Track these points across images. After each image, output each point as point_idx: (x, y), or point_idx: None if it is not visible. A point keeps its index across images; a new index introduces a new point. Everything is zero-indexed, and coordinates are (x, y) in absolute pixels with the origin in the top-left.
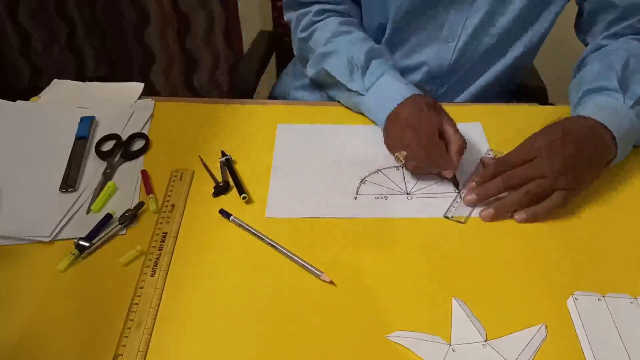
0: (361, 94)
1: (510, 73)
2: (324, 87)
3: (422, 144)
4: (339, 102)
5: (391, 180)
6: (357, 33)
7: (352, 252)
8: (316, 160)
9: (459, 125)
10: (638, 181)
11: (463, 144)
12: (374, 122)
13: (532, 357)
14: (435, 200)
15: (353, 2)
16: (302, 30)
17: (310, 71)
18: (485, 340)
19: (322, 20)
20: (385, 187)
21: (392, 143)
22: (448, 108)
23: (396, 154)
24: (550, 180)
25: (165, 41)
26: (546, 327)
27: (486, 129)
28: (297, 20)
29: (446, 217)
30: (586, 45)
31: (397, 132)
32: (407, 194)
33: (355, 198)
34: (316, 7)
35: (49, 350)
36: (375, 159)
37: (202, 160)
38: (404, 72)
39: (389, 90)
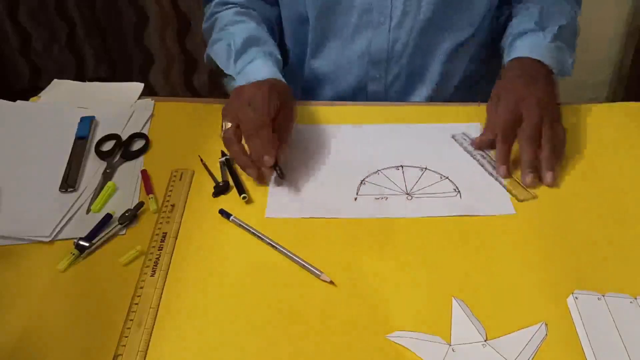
0: (234, 79)
1: (465, 59)
2: (219, 74)
3: (253, 116)
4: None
5: (391, 180)
6: (248, 23)
7: (352, 252)
8: (316, 161)
9: (457, 126)
10: (638, 181)
11: (287, 137)
12: (374, 121)
13: (532, 356)
14: (435, 200)
15: None
16: (205, 21)
17: (205, 58)
18: (485, 340)
19: (222, 11)
20: (385, 188)
21: (224, 112)
22: (446, 109)
23: (223, 122)
24: (548, 119)
25: (165, 41)
26: (546, 326)
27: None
28: (205, 12)
29: (522, 201)
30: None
31: (233, 103)
32: (407, 194)
33: (355, 199)
34: None
35: (49, 350)
36: (375, 159)
37: (202, 160)
38: (346, 60)
39: (254, 74)
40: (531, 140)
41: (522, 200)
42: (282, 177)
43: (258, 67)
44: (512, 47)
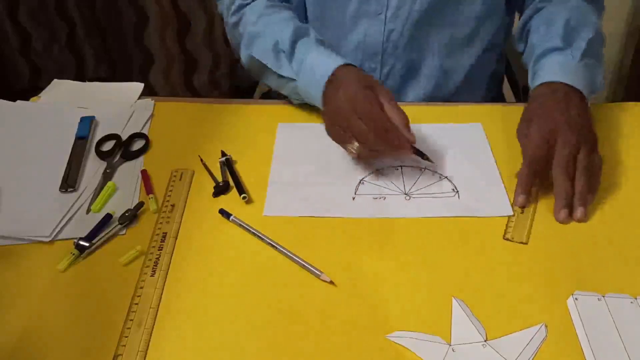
0: (294, 79)
1: (465, 58)
2: (259, 75)
3: (369, 128)
4: (277, 90)
5: (390, 180)
6: (283, 13)
7: (352, 252)
8: (315, 159)
9: (459, 126)
10: (638, 181)
11: (405, 116)
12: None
13: (532, 357)
14: (433, 200)
15: None
16: (233, 14)
17: (243, 59)
18: (485, 340)
19: (250, 3)
20: (383, 187)
21: (336, 134)
22: (447, 109)
23: (348, 147)
24: (585, 147)
25: (165, 41)
26: (546, 327)
27: (486, 130)
28: (227, 8)
29: (507, 240)
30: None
31: (337, 121)
32: (406, 194)
33: (354, 198)
34: None
35: (49, 350)
36: (374, 158)
37: (202, 160)
38: (342, 51)
39: (316, 68)
40: (566, 172)
41: (508, 240)
42: (423, 157)
43: (317, 60)
44: (538, 67)
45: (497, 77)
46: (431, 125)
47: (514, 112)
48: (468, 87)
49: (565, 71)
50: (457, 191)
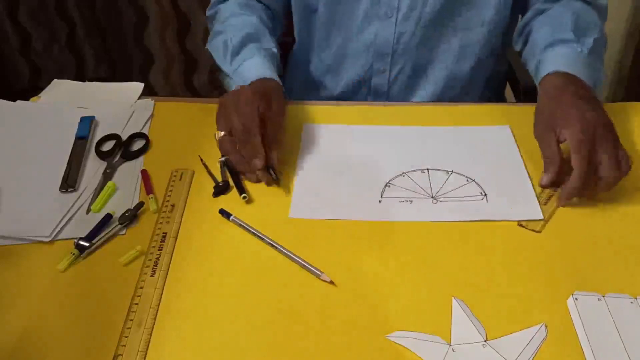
0: (230, 77)
1: (472, 61)
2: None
3: (238, 128)
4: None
5: (416, 183)
6: (249, 17)
7: (352, 252)
8: (341, 162)
9: (487, 129)
10: (638, 181)
11: (280, 137)
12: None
13: (532, 357)
14: (461, 204)
15: None
16: (210, 8)
17: (207, 51)
18: (485, 340)
19: (225, 1)
20: (410, 191)
21: (217, 119)
22: (447, 109)
23: (215, 132)
24: (604, 143)
25: (165, 41)
26: (546, 327)
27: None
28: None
29: (521, 226)
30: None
31: (222, 110)
32: (433, 197)
33: (380, 201)
34: None
35: (49, 350)
36: (400, 161)
37: (202, 160)
38: (354, 52)
39: (247, 73)
40: (586, 161)
41: (523, 226)
42: (276, 180)
43: (251, 67)
44: (545, 56)
45: (498, 77)
46: (457, 127)
47: (513, 112)
48: (470, 88)
49: (575, 64)
50: (485, 194)
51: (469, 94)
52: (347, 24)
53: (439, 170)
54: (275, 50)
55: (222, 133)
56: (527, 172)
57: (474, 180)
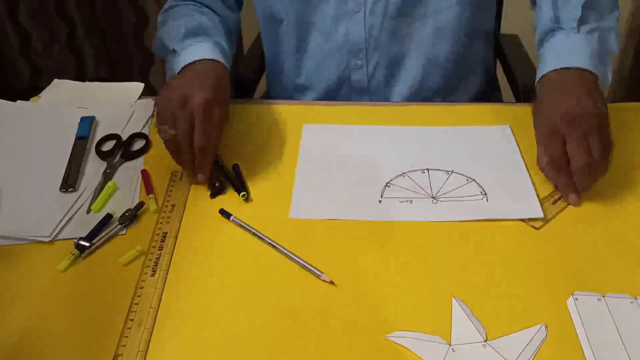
0: (177, 54)
1: (448, 44)
2: (161, 54)
3: (185, 133)
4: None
5: (416, 183)
6: (202, 17)
7: (352, 252)
8: (340, 162)
9: (485, 129)
10: (638, 181)
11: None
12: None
13: (532, 357)
14: (461, 204)
15: None
16: (161, 14)
17: (154, 46)
18: (485, 340)
19: (179, 5)
20: (410, 191)
21: (160, 109)
22: (447, 109)
23: (162, 128)
24: (594, 133)
25: None
26: (546, 327)
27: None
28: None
29: (521, 220)
30: None
31: (167, 100)
32: (433, 197)
33: (380, 201)
34: None
35: (49, 350)
36: (400, 161)
37: (218, 161)
38: (329, 52)
39: (195, 53)
40: (586, 164)
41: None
42: (220, 192)
43: (203, 48)
44: (549, 44)
45: (488, 64)
46: (458, 127)
47: (513, 112)
48: (457, 77)
49: (579, 54)
50: (486, 194)
51: (452, 80)
52: (318, 27)
53: (439, 170)
54: (226, 47)
55: (172, 132)
56: (528, 171)
57: (474, 180)
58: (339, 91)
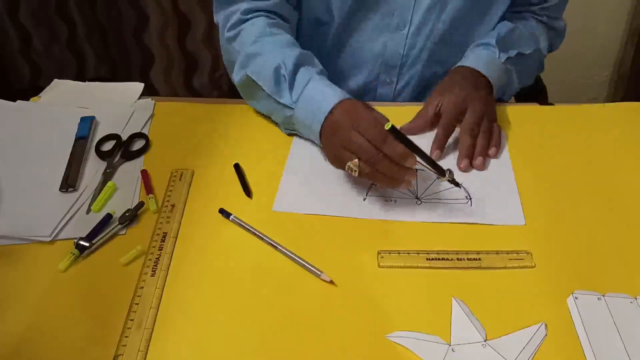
0: (291, 108)
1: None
2: (251, 97)
3: (372, 144)
4: (272, 118)
5: None
6: (285, 36)
7: (352, 252)
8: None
9: None
10: (638, 181)
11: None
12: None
13: (531, 356)
14: (444, 206)
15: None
16: (229, 29)
17: (236, 77)
18: (485, 340)
19: (250, 19)
20: (395, 190)
21: (337, 155)
22: None
23: (348, 164)
24: (488, 117)
25: (165, 41)
26: (546, 326)
27: None
28: (224, 20)
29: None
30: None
31: (338, 142)
32: (417, 198)
33: (365, 199)
34: (244, 5)
35: (50, 350)
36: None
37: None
38: (363, 61)
39: (317, 97)
40: (471, 132)
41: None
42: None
43: (318, 90)
44: (471, 52)
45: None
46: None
47: (514, 112)
48: None
49: (488, 66)
50: (470, 198)
51: None
52: (359, 33)
53: (426, 171)
54: (322, 67)
55: (356, 160)
56: (514, 176)
57: (461, 184)
58: (361, 99)
